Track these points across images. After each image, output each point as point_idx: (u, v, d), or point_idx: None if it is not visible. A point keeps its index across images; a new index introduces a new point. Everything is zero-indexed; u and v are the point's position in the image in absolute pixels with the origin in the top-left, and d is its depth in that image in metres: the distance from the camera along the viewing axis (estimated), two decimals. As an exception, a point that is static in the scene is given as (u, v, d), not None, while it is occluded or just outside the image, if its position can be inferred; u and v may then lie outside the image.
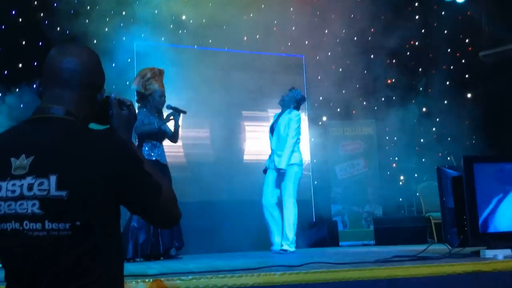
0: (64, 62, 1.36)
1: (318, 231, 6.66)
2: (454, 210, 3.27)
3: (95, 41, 6.09)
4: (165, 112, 5.01)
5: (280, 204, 5.14)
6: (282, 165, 5.03)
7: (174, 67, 5.77)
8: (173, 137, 4.98)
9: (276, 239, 5.11)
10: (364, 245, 6.58)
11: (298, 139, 5.21)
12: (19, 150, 1.25)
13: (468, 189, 3.15)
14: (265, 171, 5.35)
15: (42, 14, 6.07)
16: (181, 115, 4.99)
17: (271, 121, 5.60)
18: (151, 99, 4.93)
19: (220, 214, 6.31)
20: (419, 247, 3.81)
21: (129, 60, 6.74)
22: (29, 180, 1.22)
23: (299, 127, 5.21)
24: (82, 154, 1.24)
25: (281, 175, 5.08)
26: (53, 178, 1.21)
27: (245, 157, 7.28)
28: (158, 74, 5.00)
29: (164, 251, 4.65)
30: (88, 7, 6.48)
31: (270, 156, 5.33)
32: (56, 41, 5.96)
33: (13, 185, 1.23)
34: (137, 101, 5.02)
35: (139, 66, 6.70)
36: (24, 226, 1.21)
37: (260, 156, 7.28)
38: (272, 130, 5.35)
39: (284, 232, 5.01)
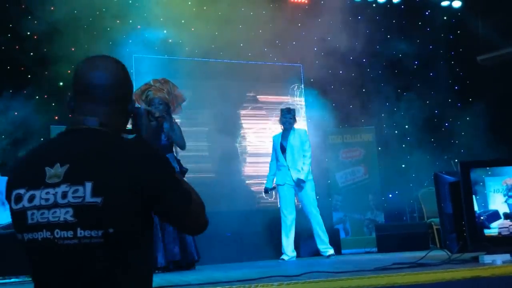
0: (94, 78, 1.38)
1: (320, 239, 6.61)
2: (453, 215, 3.27)
3: (94, 55, 6.10)
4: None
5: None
6: (304, 176, 5.45)
7: (173, 79, 5.79)
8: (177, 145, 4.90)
9: (287, 251, 5.33)
10: (367, 252, 6.55)
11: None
12: (53, 160, 1.26)
13: (466, 195, 3.15)
14: (266, 190, 5.71)
15: (41, 30, 6.10)
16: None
17: (271, 132, 5.89)
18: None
19: (221, 224, 6.29)
20: (421, 253, 3.79)
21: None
22: (63, 188, 1.22)
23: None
24: (116, 162, 1.24)
25: (300, 187, 5.47)
26: (88, 185, 1.21)
27: (245, 167, 7.28)
28: (153, 84, 4.98)
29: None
30: (87, 21, 6.53)
31: (276, 173, 5.59)
32: (55, 56, 6.01)
33: (47, 193, 1.23)
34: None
35: (138, 78, 6.73)
36: (55, 235, 1.21)
37: (259, 166, 7.29)
38: (282, 148, 5.60)
39: (324, 238, 5.44)
